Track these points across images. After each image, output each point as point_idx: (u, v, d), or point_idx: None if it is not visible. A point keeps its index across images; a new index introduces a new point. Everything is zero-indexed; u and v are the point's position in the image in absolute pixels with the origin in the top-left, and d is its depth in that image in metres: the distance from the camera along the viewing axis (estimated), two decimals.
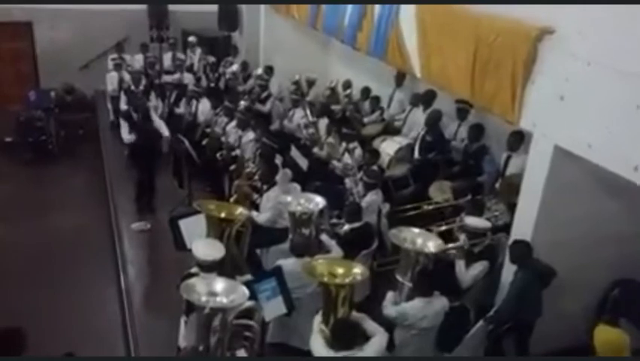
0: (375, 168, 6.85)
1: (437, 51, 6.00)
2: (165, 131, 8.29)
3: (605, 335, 4.38)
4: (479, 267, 5.29)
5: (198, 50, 11.92)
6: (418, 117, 8.14)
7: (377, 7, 7.02)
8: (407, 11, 6.44)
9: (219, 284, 3.92)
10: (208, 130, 8.82)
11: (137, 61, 11.39)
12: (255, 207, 6.48)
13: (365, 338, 4.06)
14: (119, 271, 7.06)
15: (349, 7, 7.65)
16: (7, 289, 6.78)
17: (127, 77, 10.49)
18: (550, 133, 4.66)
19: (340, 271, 4.26)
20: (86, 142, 11.18)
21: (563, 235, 4.84)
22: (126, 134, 8.25)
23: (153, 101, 9.82)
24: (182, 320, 4.81)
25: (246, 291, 3.96)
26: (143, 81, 10.31)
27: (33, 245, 7.77)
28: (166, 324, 5.40)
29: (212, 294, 3.84)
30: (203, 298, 3.79)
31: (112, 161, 9.89)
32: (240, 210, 5.23)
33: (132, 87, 10.06)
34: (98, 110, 11.88)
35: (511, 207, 5.92)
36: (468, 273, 5.26)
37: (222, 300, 3.81)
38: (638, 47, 3.84)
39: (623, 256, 5.12)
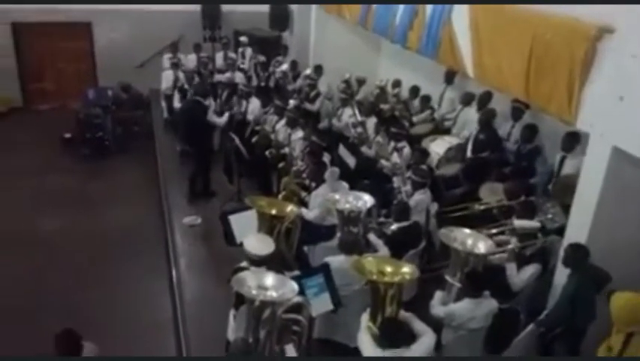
0: (424, 167, 6.79)
1: (491, 50, 5.90)
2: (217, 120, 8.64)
3: (621, 299, 4.21)
4: (531, 270, 5.19)
5: (249, 50, 12.11)
6: (470, 117, 8.04)
7: (429, 7, 6.96)
8: (460, 10, 6.37)
9: (269, 279, 3.99)
10: (258, 128, 8.95)
11: (191, 60, 11.65)
12: (303, 204, 6.54)
13: (413, 337, 4.05)
14: (170, 265, 7.26)
15: (400, 6, 7.62)
16: (61, 279, 7.10)
17: (182, 76, 10.75)
18: (608, 134, 4.52)
19: (389, 269, 4.27)
20: (140, 139, 11.56)
21: (618, 239, 4.69)
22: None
23: (207, 100, 10.00)
24: (231, 313, 4.92)
25: (295, 286, 4.02)
26: (197, 80, 10.53)
27: (88, 237, 8.11)
28: (215, 318, 5.52)
29: (263, 288, 3.91)
30: (254, 292, 3.87)
31: (165, 157, 10.17)
32: (291, 208, 5.32)
33: (186, 86, 10.30)
34: (153, 108, 12.25)
35: (567, 209, 5.78)
36: (519, 276, 5.17)
37: (272, 294, 3.88)
38: None
39: None
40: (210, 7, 13.06)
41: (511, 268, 5.17)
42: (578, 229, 4.88)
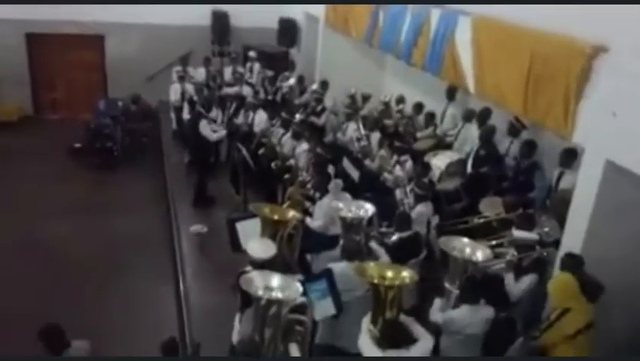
0: (425, 180, 6.96)
1: (491, 67, 6.12)
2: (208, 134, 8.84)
3: (555, 280, 4.83)
4: (528, 280, 5.33)
5: (257, 65, 12.39)
6: (471, 133, 8.24)
7: (433, 24, 7.22)
8: (463, 27, 6.61)
9: (275, 280, 4.15)
10: (264, 140, 9.18)
11: (200, 74, 11.92)
12: (307, 214, 6.72)
13: (412, 340, 4.19)
14: (177, 272, 7.42)
15: (406, 24, 7.88)
16: (70, 284, 7.29)
17: (190, 88, 11.01)
18: (602, 148, 4.70)
19: (390, 274, 4.37)
20: (149, 149, 11.80)
21: (612, 251, 4.83)
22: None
23: (214, 112, 10.24)
24: (237, 317, 5.09)
25: (299, 287, 4.17)
26: (205, 93, 10.77)
27: (97, 244, 8.31)
28: (220, 322, 5.70)
29: (269, 288, 4.07)
30: (260, 292, 4.03)
31: (173, 168, 10.39)
32: (293, 213, 5.47)
33: (195, 98, 10.54)
34: (162, 120, 12.49)
35: (563, 223, 5.95)
36: (517, 286, 5.31)
37: (278, 294, 4.04)
38: None
39: None
40: (220, 22, 13.41)
41: (509, 277, 5.33)
42: (572, 239, 5.05)
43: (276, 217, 5.23)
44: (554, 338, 4.63)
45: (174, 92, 11.24)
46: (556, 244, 5.52)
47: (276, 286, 4.12)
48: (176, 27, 13.12)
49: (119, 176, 10.89)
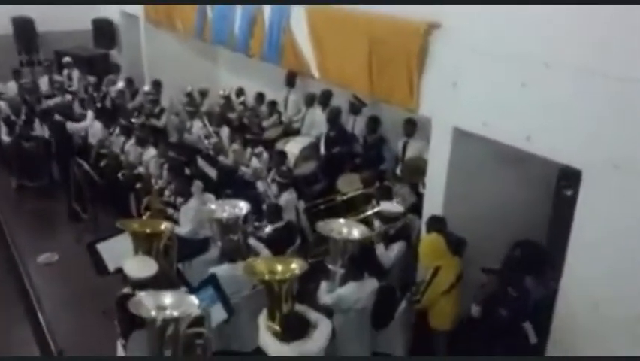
0: (284, 168, 7.07)
1: (333, 52, 6.33)
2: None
3: (424, 242, 5.24)
4: (397, 247, 5.69)
5: (76, 71, 11.48)
6: (316, 116, 8.50)
7: (267, 13, 7.25)
8: (298, 17, 6.73)
9: (167, 298, 3.97)
10: (103, 151, 8.60)
11: (11, 88, 10.75)
12: (172, 221, 6.45)
13: (312, 326, 4.28)
14: (33, 309, 6.69)
15: (238, 15, 7.82)
16: None
17: (3, 105, 9.87)
18: (447, 117, 5.14)
19: (280, 268, 4.45)
20: None
21: (469, 208, 5.32)
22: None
23: (38, 129, 9.33)
24: (119, 343, 4.79)
25: (194, 300, 4.04)
26: (23, 109, 9.74)
27: None
28: (95, 353, 5.34)
29: (162, 308, 3.88)
30: (154, 313, 3.83)
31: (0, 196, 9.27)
32: (165, 225, 5.27)
33: (12, 117, 9.49)
34: None
35: (414, 188, 6.48)
36: (388, 255, 5.66)
37: (174, 313, 3.86)
38: (517, 30, 4.39)
39: (524, 220, 5.55)
40: (23, 29, 12.17)
41: (380, 248, 5.65)
42: (433, 203, 5.49)
43: (148, 231, 4.99)
44: (433, 296, 5.03)
45: None
46: (418, 210, 5.96)
47: (169, 303, 3.95)
48: None
49: None
